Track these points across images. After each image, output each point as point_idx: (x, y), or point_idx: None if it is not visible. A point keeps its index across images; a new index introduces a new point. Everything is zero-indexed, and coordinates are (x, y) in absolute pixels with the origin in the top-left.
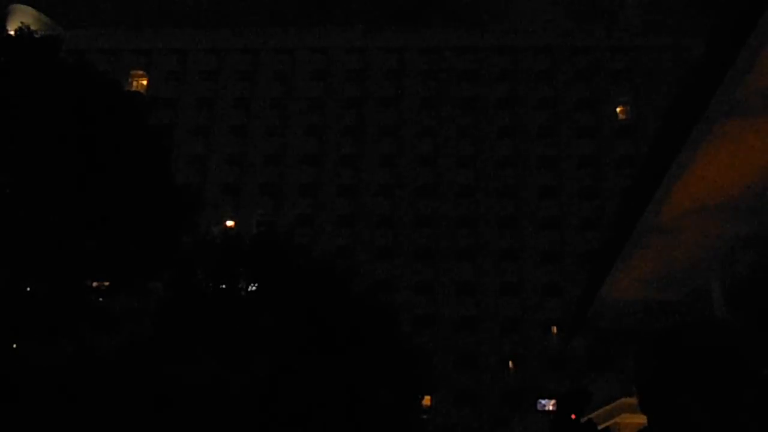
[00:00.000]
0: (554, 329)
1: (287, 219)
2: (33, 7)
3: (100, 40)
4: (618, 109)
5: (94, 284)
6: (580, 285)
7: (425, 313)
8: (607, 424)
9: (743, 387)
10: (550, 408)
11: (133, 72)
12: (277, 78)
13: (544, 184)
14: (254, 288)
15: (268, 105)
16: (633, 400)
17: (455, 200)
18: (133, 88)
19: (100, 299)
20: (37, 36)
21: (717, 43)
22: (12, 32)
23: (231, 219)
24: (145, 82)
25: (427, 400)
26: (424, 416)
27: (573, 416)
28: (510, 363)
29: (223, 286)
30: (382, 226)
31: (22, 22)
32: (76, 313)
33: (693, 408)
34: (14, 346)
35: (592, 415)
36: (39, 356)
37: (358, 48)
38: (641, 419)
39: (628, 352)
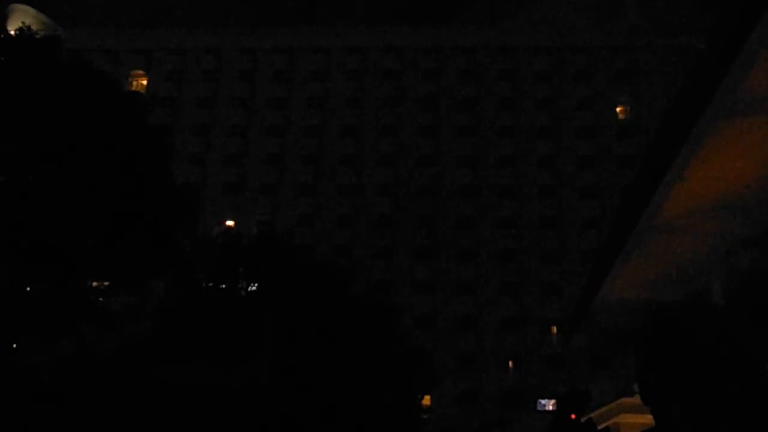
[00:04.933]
0: (554, 329)
1: (287, 219)
2: (33, 7)
3: (100, 40)
4: (618, 109)
5: (94, 284)
6: (580, 285)
7: (425, 313)
8: (607, 424)
9: (740, 374)
10: (550, 408)
11: (133, 72)
12: (277, 78)
13: (544, 184)
14: (254, 288)
15: (268, 105)
16: (633, 400)
17: (455, 200)
18: (133, 88)
19: (100, 299)
20: (37, 36)
21: (717, 43)
22: (12, 32)
23: (231, 219)
24: (145, 82)
25: (427, 400)
26: (424, 416)
27: (573, 416)
28: (510, 363)
29: (223, 286)
30: (382, 226)
31: (22, 22)
32: (76, 313)
33: (692, 396)
34: (14, 346)
35: (592, 415)
36: (39, 356)
37: (358, 48)
38: (641, 419)
39: (628, 352)
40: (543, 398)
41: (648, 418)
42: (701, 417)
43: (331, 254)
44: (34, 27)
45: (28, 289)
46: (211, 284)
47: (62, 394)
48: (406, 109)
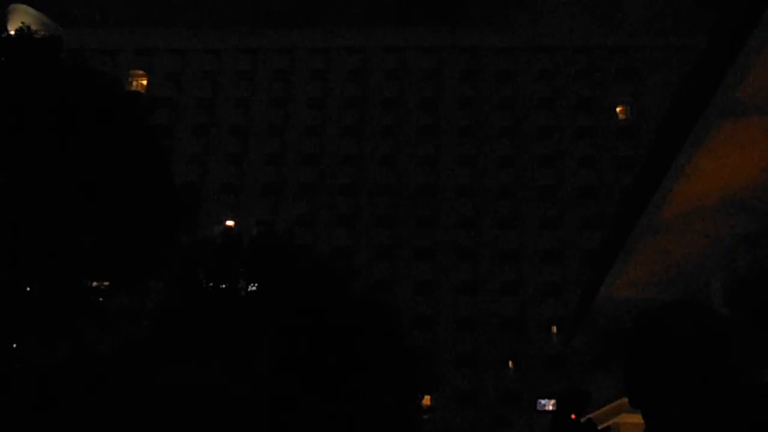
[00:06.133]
0: (554, 329)
1: (287, 219)
2: (33, 7)
3: (100, 40)
4: (618, 109)
5: (94, 284)
6: (580, 285)
7: (425, 313)
8: (607, 424)
9: (728, 375)
10: (550, 408)
11: (133, 72)
12: (277, 78)
13: (544, 184)
14: (254, 288)
15: (268, 105)
16: None
17: (455, 200)
18: (133, 88)
19: (100, 299)
20: (37, 36)
21: (717, 43)
22: (12, 32)
23: (231, 219)
24: (145, 82)
25: (427, 400)
26: (424, 416)
27: (573, 416)
28: (510, 363)
29: (223, 286)
30: (382, 226)
31: (22, 22)
32: (76, 313)
33: (680, 399)
34: (14, 346)
35: (592, 415)
36: (39, 356)
37: (358, 48)
38: (641, 419)
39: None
40: (543, 398)
41: None
42: (691, 420)
43: (331, 254)
44: (34, 27)
45: (28, 289)
46: (211, 284)
47: (62, 394)
48: (405, 109)
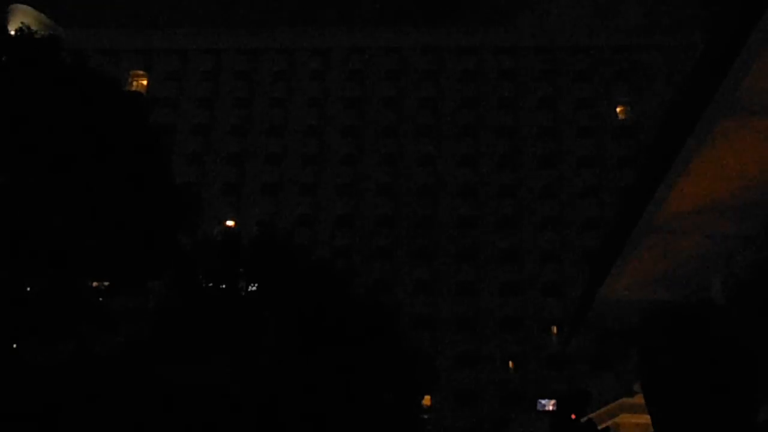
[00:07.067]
0: (554, 329)
1: (287, 219)
2: (33, 7)
3: (100, 40)
4: (618, 109)
5: (94, 284)
6: (580, 285)
7: (425, 313)
8: (607, 424)
9: (744, 374)
10: (550, 408)
11: (133, 72)
12: (277, 78)
13: (544, 184)
14: (254, 288)
15: (268, 105)
16: (633, 400)
17: (455, 200)
18: (133, 88)
19: (100, 299)
20: (37, 36)
21: (717, 43)
22: (12, 32)
23: (231, 219)
24: (145, 82)
25: (427, 400)
26: (424, 416)
27: (573, 416)
28: (510, 363)
29: (223, 286)
30: (382, 226)
31: (22, 22)
32: (76, 313)
33: (698, 398)
34: (14, 346)
35: (592, 415)
36: (39, 356)
37: (358, 48)
38: (641, 419)
39: (628, 352)
40: (543, 398)
41: (648, 418)
42: (705, 418)
43: (331, 254)
44: (34, 27)
45: (28, 289)
46: (211, 284)
47: (62, 394)
48: (406, 109)
